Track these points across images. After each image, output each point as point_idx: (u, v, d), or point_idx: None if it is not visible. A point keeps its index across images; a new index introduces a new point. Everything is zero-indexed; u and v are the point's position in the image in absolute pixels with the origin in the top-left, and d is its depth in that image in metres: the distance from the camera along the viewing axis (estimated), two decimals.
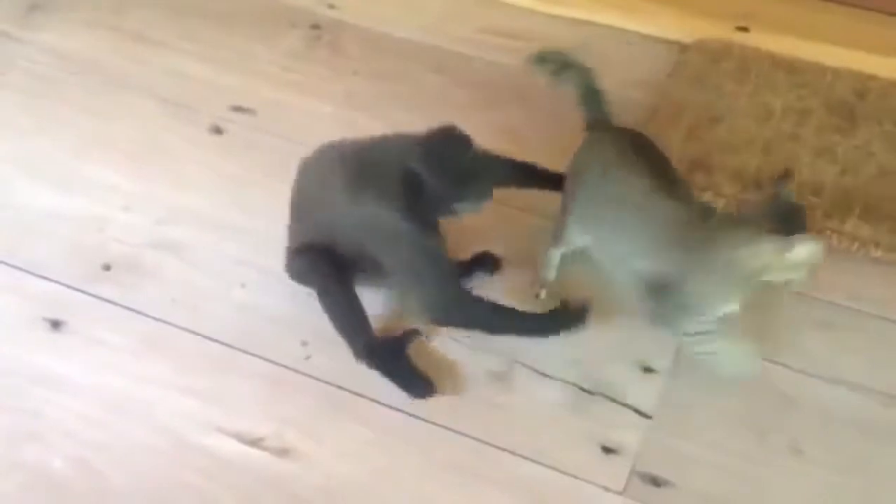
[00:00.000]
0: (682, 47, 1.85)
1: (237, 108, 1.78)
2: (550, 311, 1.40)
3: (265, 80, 1.84)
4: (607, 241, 1.34)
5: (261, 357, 1.41)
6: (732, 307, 1.24)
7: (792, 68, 1.78)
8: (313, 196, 1.40)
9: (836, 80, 1.76)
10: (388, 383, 1.37)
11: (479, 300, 1.36)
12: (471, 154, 1.31)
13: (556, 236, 1.42)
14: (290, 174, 1.64)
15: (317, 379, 1.39)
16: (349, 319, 1.38)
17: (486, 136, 1.67)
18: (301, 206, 1.42)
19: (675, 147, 1.60)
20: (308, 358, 1.41)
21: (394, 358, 1.38)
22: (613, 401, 1.36)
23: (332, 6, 1.99)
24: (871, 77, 1.76)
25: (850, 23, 1.87)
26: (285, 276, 1.47)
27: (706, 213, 1.26)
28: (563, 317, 1.39)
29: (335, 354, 1.39)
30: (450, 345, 1.42)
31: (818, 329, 1.42)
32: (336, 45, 1.92)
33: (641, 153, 1.31)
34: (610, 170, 1.31)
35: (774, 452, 1.30)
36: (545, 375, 1.39)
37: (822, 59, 1.79)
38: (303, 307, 1.44)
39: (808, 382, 1.37)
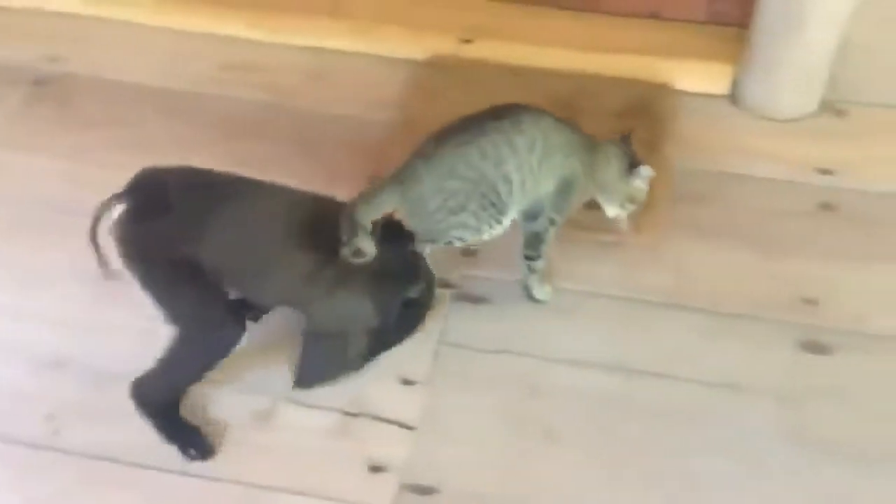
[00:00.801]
0: (415, 64, 1.90)
1: None
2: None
3: None
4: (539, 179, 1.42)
5: (2, 438, 1.34)
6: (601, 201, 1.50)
7: (515, 73, 1.87)
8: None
9: (556, 81, 1.86)
10: (148, 444, 1.33)
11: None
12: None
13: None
14: (23, 239, 1.59)
15: (69, 452, 1.33)
16: (189, 370, 1.33)
17: (229, 167, 1.69)
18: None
19: None
20: (56, 433, 1.35)
21: (170, 418, 1.34)
22: (377, 418, 1.38)
23: (54, 59, 1.93)
24: (592, 75, 1.87)
25: (565, 25, 1.98)
26: (23, 348, 1.40)
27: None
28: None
29: (86, 424, 1.35)
30: (209, 390, 1.39)
31: (557, 316, 1.50)
32: (63, 99, 1.86)
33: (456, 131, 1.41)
34: (504, 161, 1.38)
35: (531, 441, 1.36)
36: (309, 406, 1.40)
37: (543, 62, 1.89)
38: (44, 380, 1.38)
39: (555, 369, 1.44)
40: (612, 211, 1.50)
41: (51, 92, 1.86)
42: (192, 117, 1.81)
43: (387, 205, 1.37)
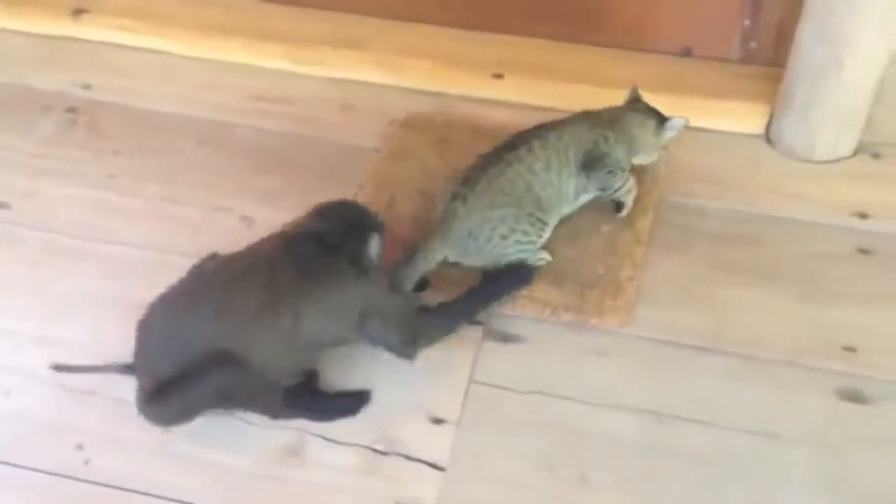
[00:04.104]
0: (444, 97, 1.89)
1: None
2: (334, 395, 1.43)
3: (19, 172, 1.75)
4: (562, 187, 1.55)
5: (33, 468, 1.33)
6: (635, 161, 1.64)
7: (535, 109, 1.82)
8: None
9: None
10: (181, 474, 1.33)
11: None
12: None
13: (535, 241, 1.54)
14: (54, 266, 1.59)
15: (98, 483, 1.32)
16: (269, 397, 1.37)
17: (251, 201, 1.69)
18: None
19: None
20: (87, 462, 1.34)
21: (311, 397, 1.40)
22: (407, 458, 1.36)
23: (86, 86, 1.93)
24: None
25: (597, 61, 1.97)
26: (53, 379, 1.39)
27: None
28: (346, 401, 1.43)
29: (115, 455, 1.34)
30: (238, 424, 1.38)
31: (590, 357, 1.48)
32: (94, 126, 1.85)
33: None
34: (531, 185, 1.52)
35: (565, 484, 1.34)
36: (337, 442, 1.38)
37: (569, 100, 1.82)
38: (74, 409, 1.38)
39: (589, 411, 1.41)
40: (647, 161, 1.66)
41: (82, 119, 1.86)
42: (219, 147, 1.81)
43: (433, 256, 1.50)
